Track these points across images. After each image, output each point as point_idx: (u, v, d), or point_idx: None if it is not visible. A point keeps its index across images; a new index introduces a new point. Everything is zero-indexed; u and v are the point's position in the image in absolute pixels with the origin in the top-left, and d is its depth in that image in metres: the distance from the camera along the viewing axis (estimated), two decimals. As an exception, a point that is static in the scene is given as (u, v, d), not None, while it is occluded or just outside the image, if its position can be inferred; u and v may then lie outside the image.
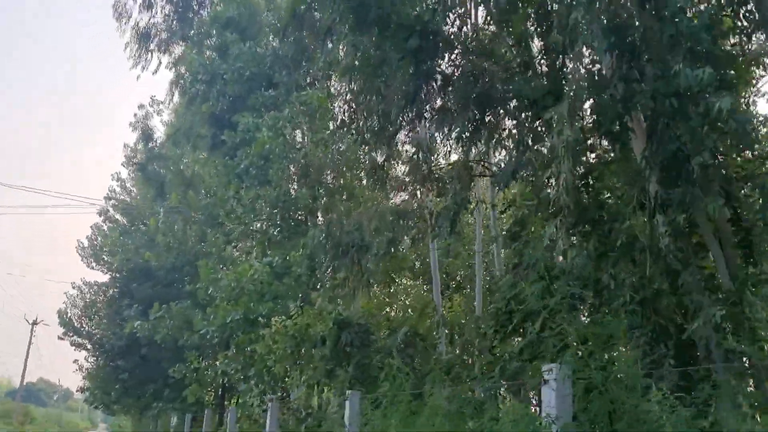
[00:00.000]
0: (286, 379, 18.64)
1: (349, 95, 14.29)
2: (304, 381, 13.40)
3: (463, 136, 12.34)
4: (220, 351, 20.74)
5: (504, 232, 13.31)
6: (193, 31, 30.49)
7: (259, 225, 23.10)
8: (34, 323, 70.58)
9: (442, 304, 19.63)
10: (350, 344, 13.34)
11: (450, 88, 12.69)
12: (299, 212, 21.89)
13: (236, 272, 19.24)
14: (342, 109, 15.54)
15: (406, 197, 13.39)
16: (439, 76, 12.48)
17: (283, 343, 13.80)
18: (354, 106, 14.35)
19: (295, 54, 23.79)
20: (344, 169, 21.17)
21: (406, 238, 12.26)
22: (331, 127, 24.32)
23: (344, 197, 22.41)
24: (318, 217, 21.47)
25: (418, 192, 13.08)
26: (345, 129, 14.51)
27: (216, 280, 19.98)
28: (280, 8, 25.61)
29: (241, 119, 21.68)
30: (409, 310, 14.52)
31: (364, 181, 18.28)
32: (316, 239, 14.19)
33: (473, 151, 13.43)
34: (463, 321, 13.97)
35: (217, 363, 21.18)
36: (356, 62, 12.44)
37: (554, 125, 8.88)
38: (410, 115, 13.61)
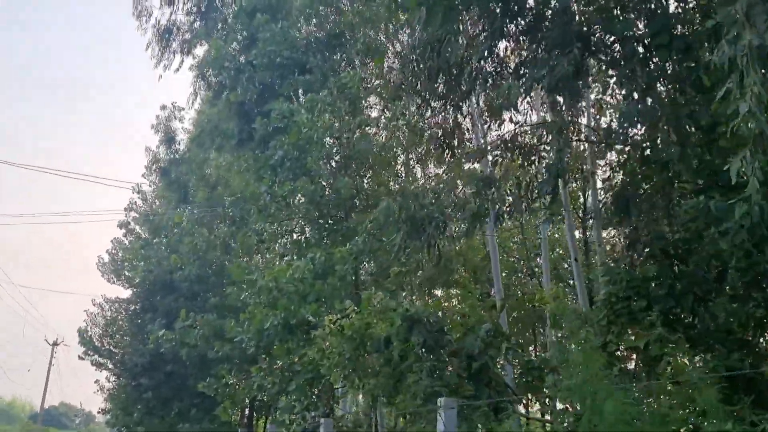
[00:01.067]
0: (339, 388, 16.38)
1: (411, 52, 12.10)
2: (367, 391, 11.09)
3: (559, 85, 10.07)
4: (255, 362, 18.48)
5: (605, 204, 10.96)
6: (219, 25, 28.67)
7: (294, 223, 20.96)
8: (55, 344, 68.99)
9: (503, 296, 17.32)
10: (422, 345, 11.03)
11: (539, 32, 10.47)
12: (340, 207, 19.68)
13: (274, 273, 17.01)
14: (399, 74, 13.39)
15: (481, 168, 11.10)
16: (526, 14, 10.27)
17: (339, 346, 11.50)
18: (417, 64, 12.17)
19: (331, 35, 21.89)
20: (395, 151, 19.06)
21: (491, 210, 9.94)
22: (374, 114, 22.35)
23: (394, 183, 20.33)
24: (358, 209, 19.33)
25: (500, 160, 10.78)
26: (403, 95, 12.34)
27: (251, 281, 17.74)
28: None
29: (275, 105, 19.57)
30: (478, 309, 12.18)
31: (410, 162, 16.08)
32: (384, 214, 11.87)
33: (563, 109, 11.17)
34: (556, 314, 11.56)
35: (252, 376, 18.93)
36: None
37: (726, 31, 6.58)
38: (488, 66, 11.43)
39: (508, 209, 9.91)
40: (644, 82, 9.94)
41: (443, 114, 11.80)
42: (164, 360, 31.42)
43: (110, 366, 37.80)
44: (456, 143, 11.62)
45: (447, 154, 11.51)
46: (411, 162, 25.38)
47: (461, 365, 10.98)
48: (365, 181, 19.90)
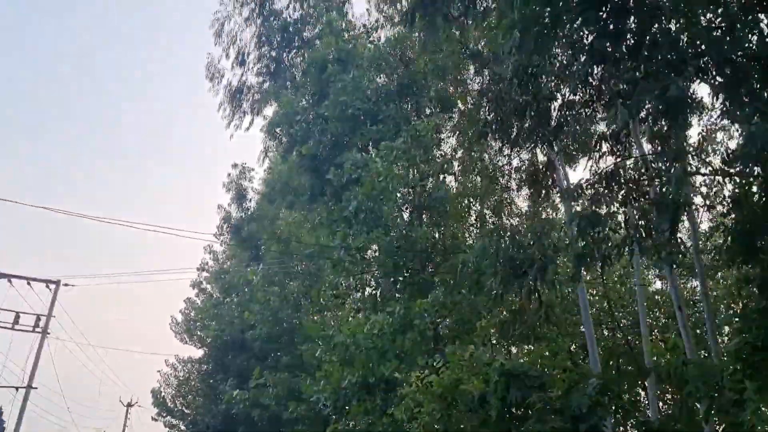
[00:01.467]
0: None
1: (496, 85, 11.41)
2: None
3: (669, 110, 9.11)
4: (333, 423, 17.50)
5: (722, 243, 9.73)
6: (288, 83, 29.00)
7: (369, 276, 20.24)
8: (129, 405, 69.46)
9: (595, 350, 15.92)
10: (522, 403, 9.91)
11: (642, 53, 9.59)
12: (416, 259, 18.86)
13: (350, 328, 16.21)
14: (484, 109, 12.70)
15: (581, 207, 10.10)
16: (628, 36, 9.42)
17: (428, 405, 10.49)
18: (502, 100, 11.45)
19: (402, 85, 21.57)
20: (469, 201, 18.25)
21: (597, 253, 8.90)
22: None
23: (469, 236, 19.45)
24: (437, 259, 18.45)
25: (602, 197, 9.77)
26: (488, 132, 11.57)
27: (326, 338, 16.97)
28: (379, 46, 23.63)
29: (348, 156, 19.17)
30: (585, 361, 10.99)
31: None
32: (480, 255, 10.95)
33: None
34: (673, 367, 10.22)
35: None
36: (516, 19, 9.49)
37: None
38: (580, 97, 10.59)
39: (616, 251, 8.86)
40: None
41: (532, 151, 10.94)
42: (236, 421, 30.77)
43: (182, 427, 37.44)
44: (549, 182, 10.73)
45: (541, 193, 10.61)
46: (486, 212, 24.54)
47: (566, 426, 9.79)
48: (441, 230, 19.06)
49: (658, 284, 20.44)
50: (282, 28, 30.47)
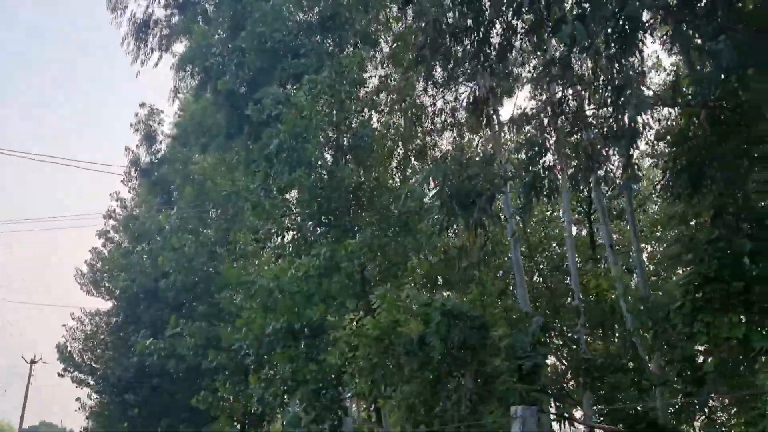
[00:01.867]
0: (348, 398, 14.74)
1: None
2: (401, 400, 9.43)
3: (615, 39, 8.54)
4: (255, 372, 16.72)
5: (668, 175, 9.40)
6: (200, 18, 26.88)
7: (292, 219, 19.28)
8: (33, 362, 66.25)
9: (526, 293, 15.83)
10: (463, 345, 9.41)
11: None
12: (342, 200, 18.02)
13: (274, 272, 15.30)
14: (420, 38, 11.78)
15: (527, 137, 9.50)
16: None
17: (364, 349, 9.84)
18: (439, 24, 10.60)
19: (324, 18, 20.30)
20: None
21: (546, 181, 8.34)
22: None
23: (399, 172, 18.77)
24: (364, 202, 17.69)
25: (550, 127, 9.18)
26: (427, 55, 10.72)
27: (248, 284, 15.97)
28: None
29: (268, 91, 17.89)
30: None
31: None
32: (428, 180, 10.14)
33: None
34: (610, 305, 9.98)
35: (251, 388, 17.17)
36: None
37: None
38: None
39: (570, 179, 8.35)
40: (717, 26, 8.45)
41: (474, 79, 10.21)
42: (150, 374, 29.50)
43: (91, 382, 35.70)
44: (491, 110, 10.07)
45: (482, 122, 9.93)
46: (409, 154, 23.95)
47: (510, 366, 9.39)
48: (368, 171, 18.24)
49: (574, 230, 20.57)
50: (192, -46, 28.15)
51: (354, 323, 10.20)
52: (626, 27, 8.48)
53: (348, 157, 18.11)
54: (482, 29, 10.21)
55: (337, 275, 15.24)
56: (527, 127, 9.20)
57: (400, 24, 27.66)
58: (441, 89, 28.40)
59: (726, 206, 8.17)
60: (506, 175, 9.15)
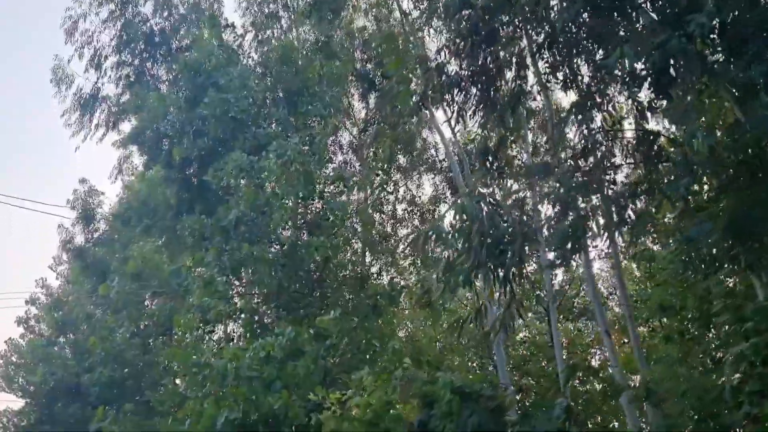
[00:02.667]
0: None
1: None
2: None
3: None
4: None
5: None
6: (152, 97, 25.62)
7: (246, 301, 17.45)
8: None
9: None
10: (478, 430, 7.77)
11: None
12: (305, 280, 16.43)
13: (231, 354, 13.33)
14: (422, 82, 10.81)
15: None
16: None
17: (355, 434, 8.05)
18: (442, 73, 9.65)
19: (291, 92, 19.45)
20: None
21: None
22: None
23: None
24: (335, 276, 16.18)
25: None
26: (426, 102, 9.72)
27: (199, 367, 13.82)
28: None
29: (232, 156, 16.50)
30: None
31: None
32: (461, 215, 8.56)
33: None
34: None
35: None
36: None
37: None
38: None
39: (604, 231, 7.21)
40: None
41: (484, 126, 9.18)
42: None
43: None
44: (504, 162, 9.02)
45: (493, 172, 8.81)
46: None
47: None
48: (336, 250, 16.80)
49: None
50: (147, 34, 27.25)
51: (339, 403, 8.41)
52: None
53: (314, 233, 16.69)
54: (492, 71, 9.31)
55: (302, 359, 13.40)
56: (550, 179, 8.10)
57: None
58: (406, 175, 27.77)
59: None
60: (539, 221, 7.93)
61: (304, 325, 14.94)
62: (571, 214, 7.38)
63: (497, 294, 7.87)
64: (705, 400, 7.30)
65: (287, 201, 16.19)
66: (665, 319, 14.29)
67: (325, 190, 16.86)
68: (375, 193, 25.18)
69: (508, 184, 11.03)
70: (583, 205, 7.60)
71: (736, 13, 7.81)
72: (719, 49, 7.71)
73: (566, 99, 9.95)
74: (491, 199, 7.89)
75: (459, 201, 8.22)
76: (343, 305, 16.06)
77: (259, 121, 18.96)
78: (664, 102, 8.01)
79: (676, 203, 7.75)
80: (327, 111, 19.06)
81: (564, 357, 14.67)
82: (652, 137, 8.08)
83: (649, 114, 8.10)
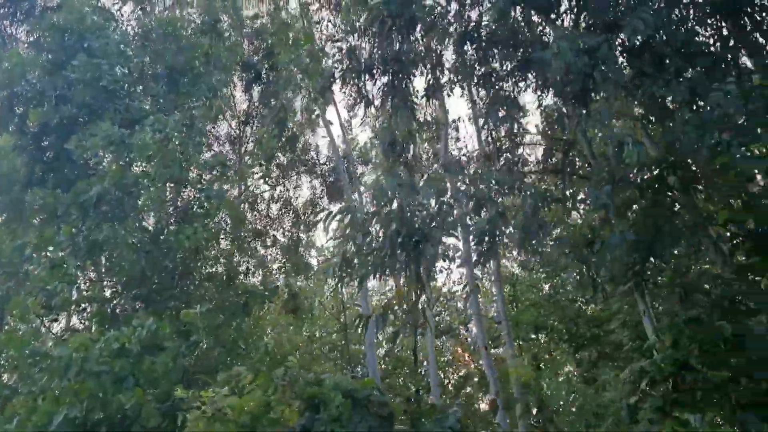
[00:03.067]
0: None
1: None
2: None
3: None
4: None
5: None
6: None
7: (98, 288, 15.74)
8: None
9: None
10: (367, 438, 7.10)
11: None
12: (170, 270, 15.02)
13: (80, 342, 11.76)
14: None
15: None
16: None
17: (228, 438, 7.09)
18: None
19: (174, 69, 18.06)
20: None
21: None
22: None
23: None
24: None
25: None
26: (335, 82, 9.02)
27: (38, 356, 12.05)
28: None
29: (102, 127, 14.82)
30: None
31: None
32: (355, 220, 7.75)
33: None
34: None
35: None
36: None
37: None
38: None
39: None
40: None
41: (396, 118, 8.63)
42: None
43: None
44: (410, 152, 8.49)
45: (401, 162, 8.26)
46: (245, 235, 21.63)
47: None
48: (209, 242, 15.58)
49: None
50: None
51: (213, 403, 7.40)
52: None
53: (184, 220, 15.34)
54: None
55: (162, 356, 12.07)
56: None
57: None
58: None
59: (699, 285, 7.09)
60: (456, 217, 7.41)
61: (165, 319, 13.62)
62: (486, 211, 7.00)
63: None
64: (601, 417, 7.11)
65: (159, 182, 14.76)
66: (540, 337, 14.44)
67: (203, 176, 15.60)
68: (250, 189, 24.07)
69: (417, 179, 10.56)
70: (499, 201, 7.24)
71: (661, 33, 7.86)
72: (641, 65, 7.67)
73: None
74: (410, 184, 7.31)
75: (376, 177, 7.58)
76: (210, 301, 14.87)
77: (135, 94, 17.31)
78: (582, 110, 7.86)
79: (594, 213, 7.61)
80: (211, 94, 17.79)
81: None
82: (566, 146, 7.89)
83: (566, 120, 7.91)
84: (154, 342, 12.55)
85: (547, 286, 16.97)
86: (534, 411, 11.06)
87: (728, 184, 8.40)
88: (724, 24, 8.98)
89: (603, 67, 7.16)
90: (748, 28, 8.99)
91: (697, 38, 8.33)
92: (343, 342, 29.01)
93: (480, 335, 12.92)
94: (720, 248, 7.82)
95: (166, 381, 12.00)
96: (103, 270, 16.13)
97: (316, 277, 30.38)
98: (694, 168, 8.65)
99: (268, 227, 25.40)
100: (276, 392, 7.54)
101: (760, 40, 8.79)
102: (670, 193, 8.58)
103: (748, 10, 8.90)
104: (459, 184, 8.15)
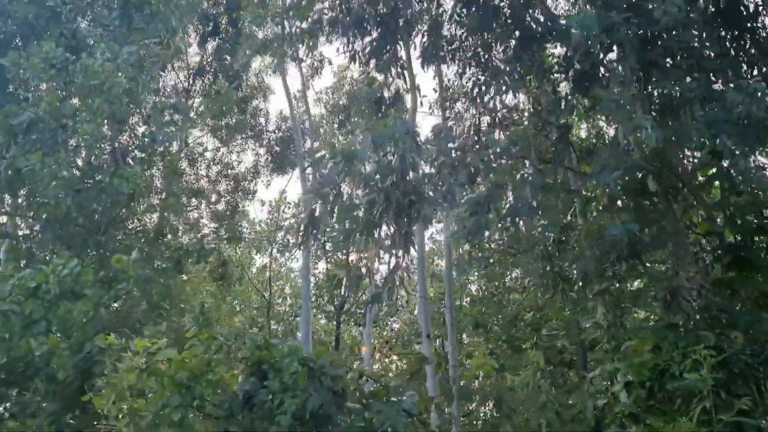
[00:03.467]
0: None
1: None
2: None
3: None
4: None
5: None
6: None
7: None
8: None
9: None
10: (317, 415, 6.45)
11: None
12: (100, 212, 13.86)
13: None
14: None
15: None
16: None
17: (161, 395, 6.29)
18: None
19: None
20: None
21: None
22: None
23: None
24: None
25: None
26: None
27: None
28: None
29: (44, 47, 13.48)
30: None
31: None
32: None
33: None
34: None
35: None
36: None
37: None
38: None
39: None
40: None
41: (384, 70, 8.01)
42: None
43: None
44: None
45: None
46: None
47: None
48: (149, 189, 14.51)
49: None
50: None
51: (147, 354, 6.55)
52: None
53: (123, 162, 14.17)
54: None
55: (81, 303, 10.99)
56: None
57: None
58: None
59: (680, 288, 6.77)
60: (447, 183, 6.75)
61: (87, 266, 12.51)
62: (481, 183, 6.49)
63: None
64: (563, 418, 6.72)
65: (99, 117, 13.55)
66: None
67: (151, 119, 14.46)
68: (191, 146, 22.89)
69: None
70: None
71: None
72: (653, 55, 7.30)
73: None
74: (414, 136, 6.61)
75: (384, 122, 6.93)
76: (140, 253, 13.79)
77: (84, 21, 15.93)
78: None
79: (602, 197, 7.23)
80: (169, 34, 16.57)
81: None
82: (561, 132, 7.47)
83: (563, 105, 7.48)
84: (74, 287, 11.48)
85: (495, 283, 16.74)
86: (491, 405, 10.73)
87: (710, 198, 8.21)
88: (725, 34, 8.79)
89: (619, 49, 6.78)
90: (747, 45, 8.82)
91: (703, 43, 8.07)
92: (262, 319, 28.15)
93: (423, 323, 12.46)
94: (701, 258, 7.59)
95: (82, 331, 10.92)
96: (24, 204, 14.80)
97: (245, 248, 29.37)
98: (678, 175, 8.42)
99: (205, 190, 24.20)
100: (220, 351, 6.78)
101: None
102: (650, 200, 8.33)
103: (748, 25, 8.73)
104: (453, 152, 7.58)
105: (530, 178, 6.72)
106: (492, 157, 6.94)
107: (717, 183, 8.24)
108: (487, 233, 6.66)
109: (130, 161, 14.63)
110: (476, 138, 7.39)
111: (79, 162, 15.10)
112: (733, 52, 8.74)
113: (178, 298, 14.05)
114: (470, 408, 15.05)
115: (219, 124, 21.14)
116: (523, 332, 14.61)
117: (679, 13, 6.37)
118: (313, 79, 23.62)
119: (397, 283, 6.69)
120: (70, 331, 10.84)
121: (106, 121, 14.20)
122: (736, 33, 8.70)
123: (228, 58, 22.90)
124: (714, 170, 8.21)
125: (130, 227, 16.22)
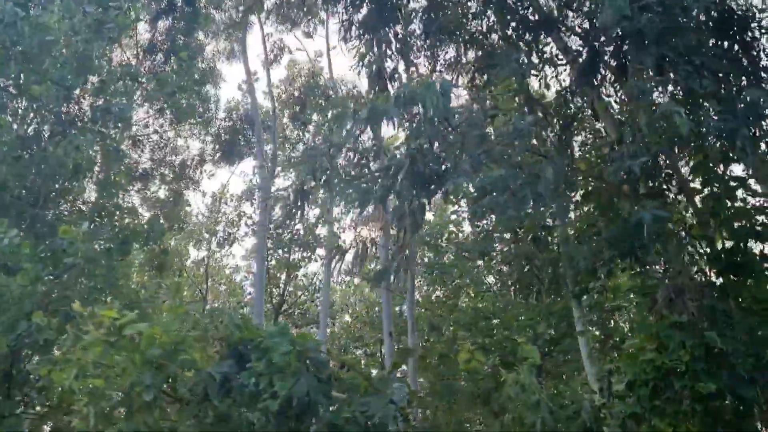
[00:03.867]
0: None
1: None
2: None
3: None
4: None
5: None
6: None
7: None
8: None
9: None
10: (307, 405, 5.90)
11: None
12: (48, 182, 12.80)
13: None
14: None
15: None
16: None
17: (130, 372, 5.59)
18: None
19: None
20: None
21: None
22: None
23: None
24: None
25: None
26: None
27: None
28: None
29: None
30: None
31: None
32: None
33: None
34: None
35: None
36: None
37: None
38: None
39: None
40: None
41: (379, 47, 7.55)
42: None
43: None
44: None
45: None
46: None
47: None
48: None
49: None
50: None
51: (114, 324, 5.82)
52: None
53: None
54: None
55: (17, 275, 10.00)
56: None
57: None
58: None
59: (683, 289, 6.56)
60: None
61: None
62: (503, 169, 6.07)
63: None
64: (558, 417, 6.38)
65: (47, 80, 12.53)
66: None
67: (105, 87, 13.46)
68: (137, 127, 21.74)
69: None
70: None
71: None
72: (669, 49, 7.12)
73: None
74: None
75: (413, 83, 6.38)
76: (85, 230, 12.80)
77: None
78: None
79: (622, 184, 6.94)
80: (126, 5, 15.60)
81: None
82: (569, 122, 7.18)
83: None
84: (10, 259, 10.47)
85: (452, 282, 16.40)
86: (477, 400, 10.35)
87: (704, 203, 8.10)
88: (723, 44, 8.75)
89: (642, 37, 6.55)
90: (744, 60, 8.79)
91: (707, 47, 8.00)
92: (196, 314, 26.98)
93: (386, 319, 12.01)
94: (696, 261, 7.45)
95: (17, 307, 9.97)
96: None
97: (182, 240, 28.18)
98: (672, 175, 8.28)
99: (149, 173, 23.00)
100: (196, 328, 6.11)
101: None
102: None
103: (747, 36, 8.71)
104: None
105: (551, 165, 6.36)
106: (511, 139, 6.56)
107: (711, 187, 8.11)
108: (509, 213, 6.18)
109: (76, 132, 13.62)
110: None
111: (17, 128, 14.01)
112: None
113: (122, 281, 13.06)
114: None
115: (169, 104, 20.07)
116: (478, 336, 14.36)
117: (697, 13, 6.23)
118: (272, 66, 22.86)
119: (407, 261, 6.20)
120: (3, 308, 9.89)
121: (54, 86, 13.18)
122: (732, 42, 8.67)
123: (182, 37, 21.90)
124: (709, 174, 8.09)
125: (70, 203, 15.15)
